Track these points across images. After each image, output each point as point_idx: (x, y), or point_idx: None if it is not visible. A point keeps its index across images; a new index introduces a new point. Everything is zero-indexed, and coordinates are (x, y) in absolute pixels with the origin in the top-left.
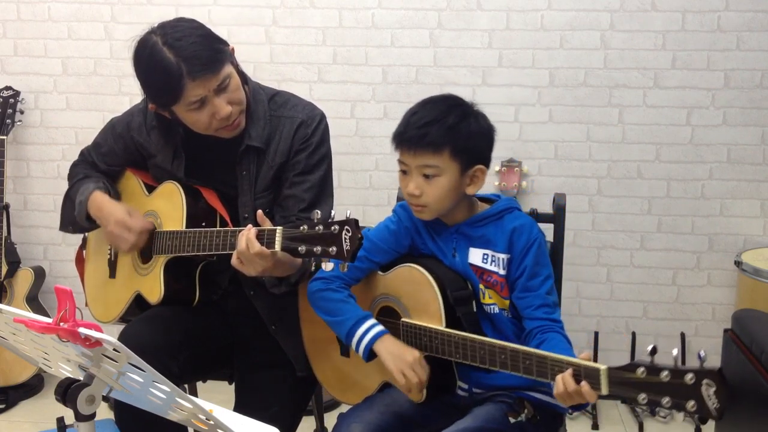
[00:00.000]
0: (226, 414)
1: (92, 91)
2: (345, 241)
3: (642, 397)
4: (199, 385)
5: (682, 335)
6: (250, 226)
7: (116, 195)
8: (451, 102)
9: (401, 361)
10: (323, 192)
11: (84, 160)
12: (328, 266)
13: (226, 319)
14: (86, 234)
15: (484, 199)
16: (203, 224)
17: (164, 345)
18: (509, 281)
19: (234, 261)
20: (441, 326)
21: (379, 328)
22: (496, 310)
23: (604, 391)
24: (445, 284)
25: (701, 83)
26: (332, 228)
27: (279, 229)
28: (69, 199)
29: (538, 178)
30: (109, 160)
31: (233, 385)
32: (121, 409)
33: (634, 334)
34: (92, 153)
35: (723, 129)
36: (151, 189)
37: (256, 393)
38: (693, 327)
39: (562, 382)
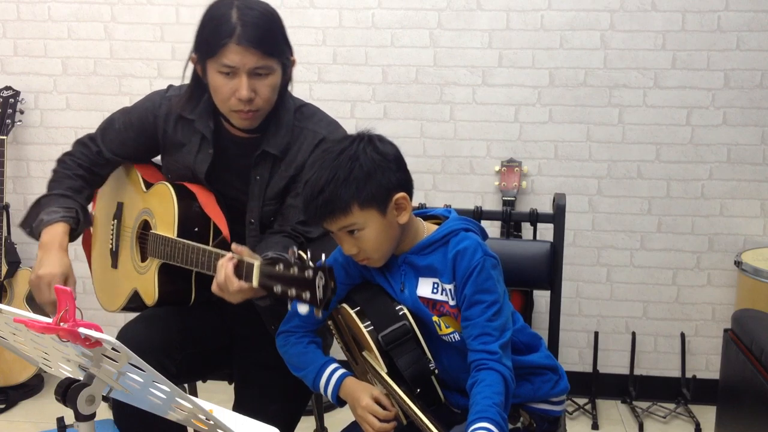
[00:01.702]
0: (226, 414)
1: (92, 91)
2: (318, 288)
3: None
4: (199, 385)
5: (682, 335)
6: (229, 255)
7: (86, 223)
8: (334, 151)
9: (354, 411)
10: None
11: (87, 149)
12: (303, 309)
13: (225, 319)
14: (93, 213)
15: (436, 216)
16: (196, 229)
17: (162, 345)
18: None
19: (214, 289)
20: (383, 370)
21: (338, 374)
22: (457, 337)
23: None
24: (378, 325)
25: (701, 83)
26: (306, 273)
27: (256, 264)
28: (39, 205)
29: (538, 178)
30: (115, 148)
31: (233, 385)
32: (121, 410)
33: (634, 334)
34: (98, 139)
35: (723, 129)
36: (149, 186)
37: (255, 392)
38: (693, 327)
39: None
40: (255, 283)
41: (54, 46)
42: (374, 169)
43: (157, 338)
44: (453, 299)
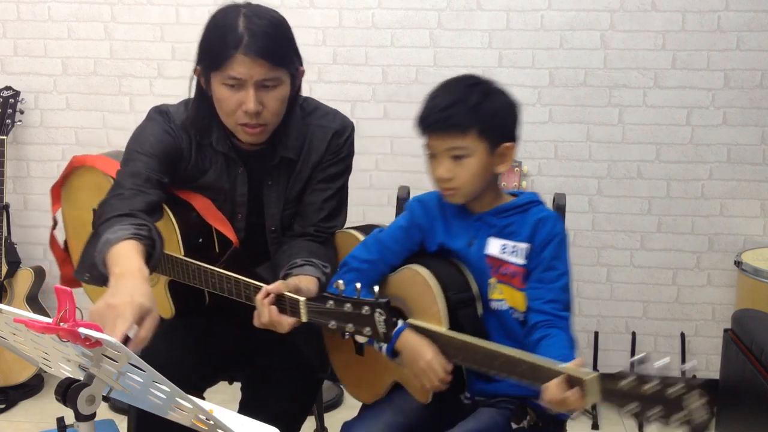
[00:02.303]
0: (226, 414)
1: (92, 91)
2: (380, 324)
3: (631, 407)
4: None
5: (682, 335)
6: (264, 291)
7: (161, 250)
8: (470, 81)
9: (415, 364)
10: (342, 201)
11: (136, 177)
12: (361, 339)
13: (238, 321)
14: (56, 216)
15: (507, 193)
16: (200, 240)
17: (183, 361)
18: (528, 271)
19: (257, 324)
20: (445, 326)
21: (397, 325)
22: (504, 306)
23: (594, 400)
24: (447, 286)
25: (701, 83)
26: (363, 309)
27: (302, 301)
28: (96, 235)
29: (538, 178)
30: (157, 169)
31: (233, 385)
32: (139, 421)
33: (634, 334)
34: (140, 168)
35: (723, 129)
36: None
37: (261, 393)
38: (693, 327)
39: (551, 389)
40: (304, 318)
41: (54, 46)
42: (500, 111)
43: (179, 356)
44: (524, 259)
